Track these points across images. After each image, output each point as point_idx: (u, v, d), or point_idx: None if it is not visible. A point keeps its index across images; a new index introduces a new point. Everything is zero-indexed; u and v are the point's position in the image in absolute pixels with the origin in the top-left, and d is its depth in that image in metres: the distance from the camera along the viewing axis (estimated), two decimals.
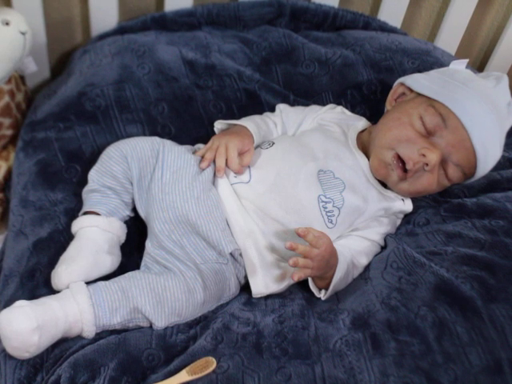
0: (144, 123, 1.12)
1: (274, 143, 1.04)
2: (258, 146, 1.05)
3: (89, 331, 0.84)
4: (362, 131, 1.08)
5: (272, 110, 1.17)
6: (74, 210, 1.00)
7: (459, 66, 1.06)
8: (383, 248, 1.01)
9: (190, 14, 1.25)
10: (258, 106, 1.18)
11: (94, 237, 0.93)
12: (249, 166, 1.00)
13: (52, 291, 0.88)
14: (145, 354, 0.83)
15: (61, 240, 0.96)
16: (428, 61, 1.22)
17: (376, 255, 1.00)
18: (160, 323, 0.86)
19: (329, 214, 0.97)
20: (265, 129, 1.08)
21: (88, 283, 0.86)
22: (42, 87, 1.27)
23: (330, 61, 1.22)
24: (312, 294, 0.95)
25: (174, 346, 0.85)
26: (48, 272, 0.90)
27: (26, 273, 0.92)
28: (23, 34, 1.09)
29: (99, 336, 0.85)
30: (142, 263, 0.94)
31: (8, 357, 0.82)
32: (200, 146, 1.08)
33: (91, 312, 0.83)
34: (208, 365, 0.80)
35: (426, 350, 0.82)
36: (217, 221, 0.94)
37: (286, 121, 1.12)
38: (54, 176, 1.04)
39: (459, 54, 1.47)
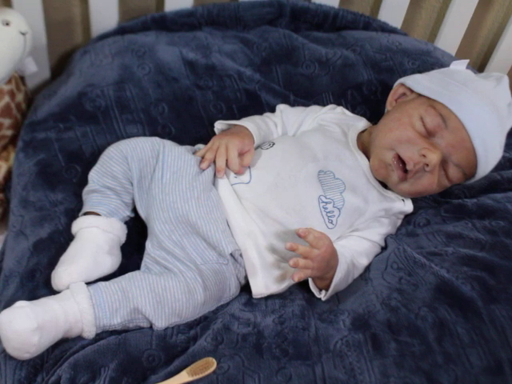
0: (144, 123, 1.12)
1: (274, 144, 1.04)
2: (258, 147, 1.05)
3: (89, 332, 0.84)
4: (363, 132, 1.08)
5: (272, 110, 1.17)
6: (74, 210, 1.00)
7: (460, 66, 1.06)
8: (383, 248, 1.01)
9: (191, 15, 1.24)
10: (259, 106, 1.18)
11: (94, 237, 0.93)
12: (249, 167, 1.00)
13: (52, 292, 0.88)
14: (145, 354, 0.83)
15: (61, 240, 0.96)
16: (428, 61, 1.22)
17: (376, 256, 1.00)
18: (160, 324, 0.86)
19: (329, 214, 0.97)
20: (265, 129, 1.08)
21: (88, 284, 0.86)
22: (42, 88, 1.27)
23: (330, 61, 1.22)
24: (312, 294, 0.95)
25: (175, 346, 0.85)
26: (48, 272, 0.90)
27: (26, 273, 0.92)
28: (23, 34, 1.09)
29: (99, 336, 0.85)
30: (142, 264, 0.94)
31: (8, 357, 0.82)
32: (200, 146, 1.07)
33: (91, 312, 0.83)
34: (208, 365, 0.80)
35: (427, 350, 0.82)
36: (217, 221, 0.94)
37: (287, 121, 1.12)
38: (54, 176, 1.04)
39: (459, 55, 1.46)
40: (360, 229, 1.00)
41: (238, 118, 1.11)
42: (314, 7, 1.28)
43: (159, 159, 0.98)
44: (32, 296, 0.88)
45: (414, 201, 1.05)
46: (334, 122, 1.09)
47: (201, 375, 0.79)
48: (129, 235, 0.99)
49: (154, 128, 1.12)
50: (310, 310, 0.91)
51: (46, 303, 0.81)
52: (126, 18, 1.28)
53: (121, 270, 0.93)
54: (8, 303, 0.86)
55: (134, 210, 1.01)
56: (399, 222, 1.05)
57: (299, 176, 0.98)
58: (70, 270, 0.87)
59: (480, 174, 1.01)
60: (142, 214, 0.99)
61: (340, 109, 1.15)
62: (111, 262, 0.92)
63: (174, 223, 0.93)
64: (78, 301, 0.83)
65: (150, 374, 0.81)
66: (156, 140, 1.00)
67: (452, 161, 0.97)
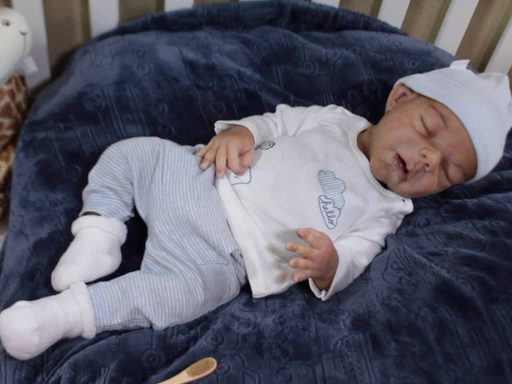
0: (144, 123, 1.12)
1: (274, 144, 1.04)
2: (258, 147, 1.05)
3: (89, 332, 0.84)
4: (363, 132, 1.08)
5: (272, 110, 1.17)
6: (75, 210, 1.00)
7: (460, 66, 1.06)
8: (384, 248, 1.01)
9: (191, 15, 1.25)
10: (259, 106, 1.18)
11: (95, 237, 0.93)
12: (249, 167, 1.00)
13: (52, 292, 0.88)
14: (145, 354, 0.83)
15: (61, 240, 0.96)
16: (428, 61, 1.22)
17: (376, 256, 1.00)
18: (160, 324, 0.86)
19: (329, 214, 0.97)
20: (265, 129, 1.08)
21: (88, 284, 0.86)
22: (42, 87, 1.27)
23: (330, 61, 1.22)
24: (312, 294, 0.95)
25: (175, 346, 0.85)
26: (48, 272, 0.90)
27: (26, 273, 0.92)
28: (23, 34, 1.09)
29: (99, 336, 0.85)
30: (143, 264, 0.94)
31: (8, 357, 0.82)
32: (200, 146, 1.07)
33: (91, 312, 0.83)
34: (208, 365, 0.80)
35: (427, 350, 0.82)
36: (217, 221, 0.94)
37: (287, 121, 1.12)
38: (54, 176, 1.04)
39: (460, 55, 1.47)
40: (360, 229, 1.00)
41: (238, 118, 1.11)
42: (314, 7, 1.28)
43: (159, 159, 0.98)
44: (32, 296, 0.88)
45: (414, 201, 1.05)
46: (335, 122, 1.09)
47: (201, 375, 0.79)
48: (129, 235, 0.99)
49: (154, 128, 1.12)
50: (310, 310, 0.91)
51: (46, 303, 0.81)
52: (126, 18, 1.28)
53: (121, 270, 0.93)
54: (8, 303, 0.86)
55: (134, 209, 1.01)
56: (399, 222, 1.05)
57: (299, 176, 0.98)
58: (70, 270, 0.87)
59: (480, 174, 1.01)
60: (142, 214, 0.99)
61: (340, 109, 1.15)
62: (111, 262, 0.92)
63: (174, 223, 0.93)
64: (78, 301, 0.83)
65: (150, 374, 0.81)
66: (156, 140, 1.01)
67: (452, 161, 0.98)
